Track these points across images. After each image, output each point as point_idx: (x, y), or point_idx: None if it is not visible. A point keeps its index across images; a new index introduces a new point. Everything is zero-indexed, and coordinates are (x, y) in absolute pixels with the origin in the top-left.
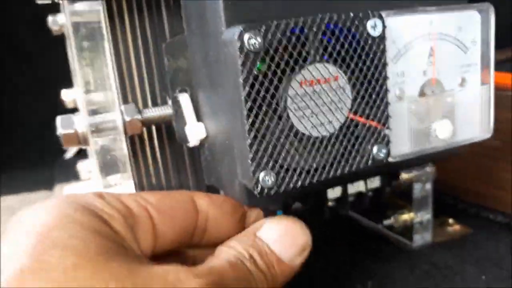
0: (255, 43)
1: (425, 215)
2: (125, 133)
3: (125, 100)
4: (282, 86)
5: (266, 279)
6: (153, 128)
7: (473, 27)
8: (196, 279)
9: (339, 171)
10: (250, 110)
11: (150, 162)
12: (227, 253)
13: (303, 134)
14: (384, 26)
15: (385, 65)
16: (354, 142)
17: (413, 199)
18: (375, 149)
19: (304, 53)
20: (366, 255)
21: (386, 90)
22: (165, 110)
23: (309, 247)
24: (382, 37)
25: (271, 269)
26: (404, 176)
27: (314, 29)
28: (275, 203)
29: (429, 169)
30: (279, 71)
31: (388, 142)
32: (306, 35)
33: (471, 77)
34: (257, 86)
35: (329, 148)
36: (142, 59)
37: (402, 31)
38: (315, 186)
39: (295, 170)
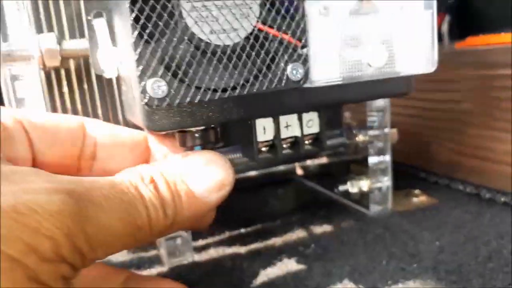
0: None
1: (384, 182)
2: (43, 65)
3: (39, 31)
4: None
5: (163, 208)
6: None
7: None
8: (54, 185)
9: (246, 89)
10: (133, 3)
11: (67, 97)
12: (120, 174)
13: (201, 40)
14: None
15: None
16: (264, 57)
17: (369, 164)
18: (289, 68)
19: None
20: (316, 218)
21: (301, 1)
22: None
23: (230, 185)
24: None
25: (175, 199)
26: (361, 137)
27: None
28: (182, 126)
29: (387, 130)
30: None
31: (305, 62)
32: None
33: (412, 2)
34: None
35: (233, 60)
36: None
37: None
38: (224, 112)
39: (192, 81)
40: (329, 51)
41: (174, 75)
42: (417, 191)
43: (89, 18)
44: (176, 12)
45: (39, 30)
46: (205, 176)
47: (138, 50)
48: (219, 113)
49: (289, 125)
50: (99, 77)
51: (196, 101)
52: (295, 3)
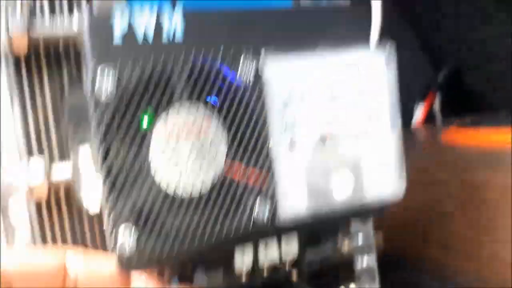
0: (108, 89)
1: (372, 286)
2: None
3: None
4: (142, 134)
5: None
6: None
7: (376, 68)
8: None
9: (214, 236)
10: (104, 158)
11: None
12: None
13: (170, 188)
14: (258, 63)
15: (263, 110)
16: (232, 201)
17: (355, 272)
18: (257, 208)
19: (167, 96)
20: None
21: (266, 141)
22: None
23: None
24: (257, 75)
25: None
26: (344, 247)
27: (177, 72)
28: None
29: (373, 238)
30: (136, 118)
31: (272, 201)
32: (168, 77)
33: (377, 125)
34: (110, 135)
35: (201, 207)
36: (50, 113)
37: (291, 74)
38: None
39: (160, 229)
40: (295, 184)
41: (144, 224)
42: None
43: (74, 147)
44: (145, 162)
45: (30, 153)
46: None
47: (109, 202)
48: (191, 251)
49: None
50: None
51: (166, 251)
52: (260, 144)
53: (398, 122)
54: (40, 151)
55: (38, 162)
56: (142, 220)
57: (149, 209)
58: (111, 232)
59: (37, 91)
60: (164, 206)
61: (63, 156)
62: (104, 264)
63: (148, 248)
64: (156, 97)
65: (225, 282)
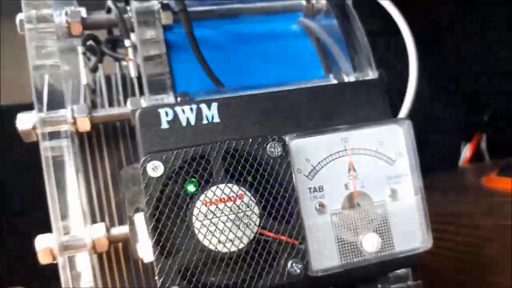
0: (156, 170)
1: None
2: (94, 250)
3: (94, 221)
4: (186, 206)
5: None
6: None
7: (396, 140)
8: None
9: (251, 287)
10: (154, 229)
11: (117, 278)
12: None
13: (211, 250)
14: (284, 148)
15: (290, 182)
16: (267, 258)
17: None
18: (290, 264)
19: (206, 176)
20: None
21: (295, 207)
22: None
23: None
24: (283, 158)
25: None
26: None
27: (214, 155)
28: None
29: (411, 283)
30: (182, 193)
31: (303, 257)
32: (207, 160)
33: (401, 188)
34: (160, 207)
35: (239, 263)
36: (110, 185)
37: (315, 150)
38: None
39: (204, 286)
40: (326, 242)
41: (189, 282)
42: None
43: (129, 214)
44: (189, 230)
45: (93, 219)
46: None
47: (159, 265)
48: None
49: None
50: None
51: None
52: (290, 209)
53: (420, 183)
54: (102, 217)
55: (100, 225)
56: (188, 280)
57: (194, 269)
58: None
59: (98, 165)
60: (207, 264)
61: (122, 221)
62: None
63: None
64: (197, 175)
65: None
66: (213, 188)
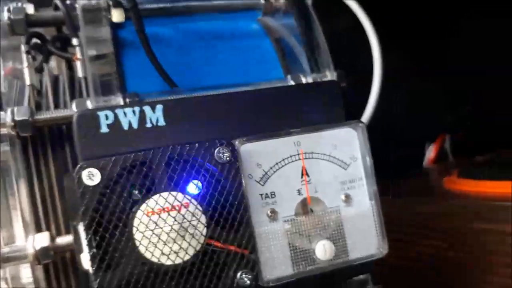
0: (92, 178)
1: None
2: (37, 260)
3: (39, 229)
4: (126, 216)
5: None
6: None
7: (350, 144)
8: None
9: None
10: (91, 241)
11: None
12: None
13: (153, 262)
14: (233, 153)
15: (240, 189)
16: (215, 269)
17: None
18: (239, 275)
19: (148, 184)
20: None
21: (244, 214)
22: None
23: None
24: (232, 163)
25: None
26: None
27: (157, 161)
28: None
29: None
30: (121, 202)
31: (254, 267)
32: (149, 167)
33: (356, 193)
34: (97, 218)
35: (185, 276)
36: (55, 191)
37: (266, 154)
38: None
39: None
40: (278, 250)
41: None
42: None
43: (74, 223)
44: (130, 242)
45: (38, 228)
46: None
47: (98, 279)
48: None
49: None
50: None
51: None
52: (239, 218)
53: (375, 187)
54: (47, 225)
55: (44, 235)
56: None
57: (135, 283)
58: None
59: (43, 170)
60: (149, 277)
61: (69, 229)
62: None
63: None
64: (138, 183)
65: None
66: (156, 197)
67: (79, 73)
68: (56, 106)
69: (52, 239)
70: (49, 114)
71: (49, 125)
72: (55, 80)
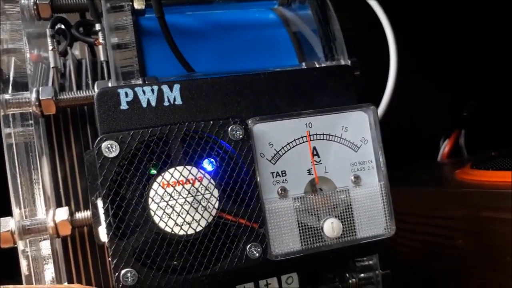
0: (112, 150)
1: None
2: (57, 234)
3: (59, 205)
4: (142, 187)
5: None
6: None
7: (361, 127)
8: None
9: (209, 271)
10: (108, 210)
11: (80, 260)
12: None
13: (167, 232)
14: (246, 131)
15: (252, 166)
16: (225, 241)
17: None
18: (248, 247)
19: (164, 158)
20: None
21: (255, 190)
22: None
23: None
24: (245, 141)
25: None
26: (353, 280)
27: (173, 136)
28: None
29: (378, 273)
30: (138, 174)
31: (263, 241)
32: (165, 142)
33: (365, 175)
34: (115, 188)
35: (197, 246)
36: (76, 170)
37: (278, 134)
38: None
39: (159, 268)
40: (288, 226)
41: (144, 263)
42: None
43: (92, 198)
44: (145, 212)
45: (58, 204)
46: None
47: (113, 246)
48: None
49: (269, 283)
50: None
51: (163, 285)
52: (250, 193)
53: (385, 170)
54: (67, 202)
55: (64, 209)
56: (143, 262)
57: (149, 251)
58: (115, 275)
59: (65, 149)
60: (163, 246)
61: (88, 207)
62: None
63: (146, 284)
64: (155, 157)
65: None
66: (171, 170)
67: (101, 57)
68: (79, 88)
69: (71, 214)
70: (72, 94)
71: (72, 106)
72: (78, 64)
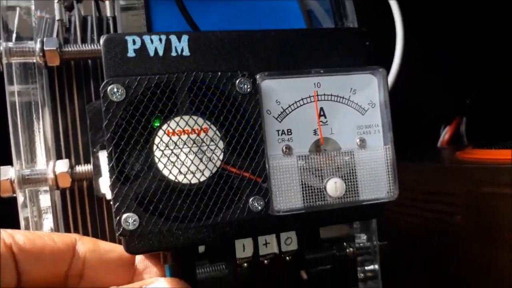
0: (117, 94)
1: None
2: (56, 186)
3: (59, 157)
4: (148, 134)
5: None
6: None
7: (369, 90)
8: None
9: (211, 221)
10: (112, 154)
11: (79, 213)
12: None
13: (170, 180)
14: (253, 85)
15: (258, 121)
16: (228, 192)
17: (358, 276)
18: (251, 200)
19: (170, 106)
20: None
21: (260, 145)
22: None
23: None
24: (252, 95)
25: None
26: (350, 250)
27: (179, 84)
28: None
29: (376, 243)
30: (143, 120)
31: (265, 195)
32: (172, 90)
33: (371, 138)
34: (120, 132)
35: (199, 196)
36: (78, 123)
37: (286, 92)
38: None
39: (161, 214)
40: (290, 183)
41: (146, 209)
42: None
43: (94, 150)
44: (149, 158)
45: (58, 156)
46: None
47: (115, 190)
48: (192, 237)
49: (268, 243)
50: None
51: (165, 231)
52: (255, 147)
53: (391, 134)
54: (68, 155)
55: (64, 161)
56: (145, 208)
57: (151, 197)
58: (117, 219)
59: (67, 101)
60: (165, 193)
61: (88, 161)
62: (111, 249)
63: (150, 232)
64: (161, 104)
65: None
66: (177, 118)
67: (108, 12)
68: (83, 42)
69: (71, 167)
70: (77, 47)
71: (76, 59)
72: (83, 20)
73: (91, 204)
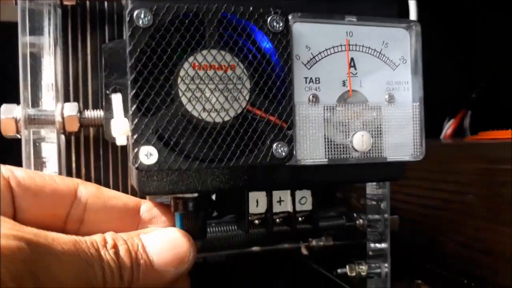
0: (144, 20)
1: (383, 268)
2: (63, 130)
3: (67, 100)
4: (173, 65)
5: (120, 273)
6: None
7: (401, 45)
8: (14, 232)
9: (232, 162)
10: (135, 81)
11: (83, 161)
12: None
13: (194, 116)
14: (286, 24)
15: (288, 63)
16: (252, 135)
17: (367, 248)
18: (275, 146)
19: (198, 37)
20: None
21: (289, 89)
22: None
23: (189, 263)
24: (284, 34)
25: (133, 267)
26: (360, 221)
27: (209, 16)
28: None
29: (387, 216)
30: (169, 50)
31: (290, 141)
32: (201, 21)
33: (400, 95)
34: (144, 60)
35: (222, 136)
36: (89, 65)
37: (317, 38)
38: (213, 181)
39: (182, 151)
40: (315, 134)
41: (166, 144)
42: (419, 282)
43: (107, 92)
44: (173, 91)
45: (67, 99)
46: (166, 250)
47: (135, 121)
48: (209, 181)
49: (282, 200)
50: (114, 145)
51: (184, 169)
52: (283, 90)
53: (421, 92)
54: (76, 99)
55: (73, 104)
56: (165, 142)
57: (172, 132)
58: (134, 151)
59: (80, 43)
60: (187, 130)
61: (97, 105)
62: (115, 196)
63: (169, 168)
64: (189, 35)
65: (239, 226)
66: (204, 52)
67: None
68: None
69: (80, 111)
70: None
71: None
72: None
73: (96, 153)
